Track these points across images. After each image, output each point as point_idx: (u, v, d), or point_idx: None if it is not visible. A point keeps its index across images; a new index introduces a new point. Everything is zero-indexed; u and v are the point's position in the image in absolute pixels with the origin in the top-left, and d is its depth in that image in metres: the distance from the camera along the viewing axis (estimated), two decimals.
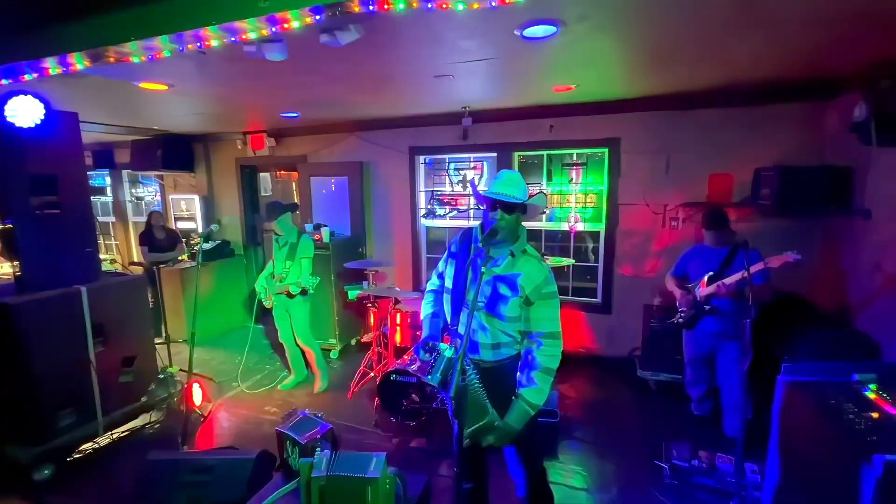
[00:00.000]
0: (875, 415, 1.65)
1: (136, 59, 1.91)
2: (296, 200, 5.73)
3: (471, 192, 4.99)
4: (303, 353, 4.18)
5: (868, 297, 3.01)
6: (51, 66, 2.05)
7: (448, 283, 2.03)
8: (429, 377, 1.88)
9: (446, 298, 2.03)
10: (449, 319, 2.02)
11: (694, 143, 3.98)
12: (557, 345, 1.86)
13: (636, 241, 4.33)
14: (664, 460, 2.86)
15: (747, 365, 2.45)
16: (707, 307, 3.07)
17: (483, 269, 1.73)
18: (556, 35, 2.20)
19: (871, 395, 1.77)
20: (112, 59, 1.91)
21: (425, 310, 2.18)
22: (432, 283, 2.22)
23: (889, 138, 2.64)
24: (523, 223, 1.94)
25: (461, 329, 1.94)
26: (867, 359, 2.60)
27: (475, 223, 2.08)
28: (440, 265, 2.16)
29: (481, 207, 2.11)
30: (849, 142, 3.07)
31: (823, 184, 3.25)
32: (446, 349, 1.89)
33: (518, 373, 1.89)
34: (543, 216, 4.62)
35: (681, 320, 3.25)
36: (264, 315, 4.48)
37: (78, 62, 1.95)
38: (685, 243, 3.90)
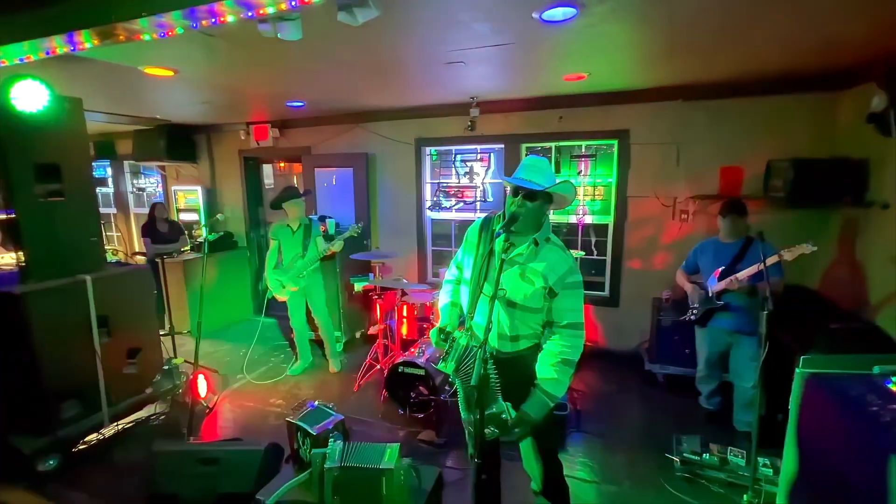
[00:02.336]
0: None
1: (146, 37, 1.85)
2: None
3: (476, 185, 4.95)
4: (314, 340, 4.37)
5: (885, 291, 2.97)
6: (58, 44, 1.99)
7: (466, 274, 1.98)
8: (441, 364, 1.85)
9: (464, 289, 1.98)
10: (466, 310, 1.98)
11: (704, 135, 3.94)
12: (580, 336, 1.81)
13: (645, 233, 4.29)
14: (674, 453, 2.83)
15: (762, 358, 2.41)
16: (719, 303, 3.02)
17: (503, 256, 1.69)
18: (576, 18, 2.15)
19: (894, 388, 1.74)
20: (122, 38, 1.85)
21: (442, 299, 2.14)
22: (450, 273, 2.16)
23: None
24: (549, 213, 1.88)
25: (480, 319, 1.90)
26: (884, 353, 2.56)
27: (482, 215, 2.03)
28: (458, 254, 2.10)
29: (490, 200, 2.07)
30: (864, 133, 3.02)
31: (838, 175, 3.21)
32: (461, 337, 1.86)
33: (538, 363, 1.84)
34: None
35: (693, 317, 3.20)
36: (270, 308, 4.58)
37: (86, 40, 1.89)
38: (695, 236, 3.87)
